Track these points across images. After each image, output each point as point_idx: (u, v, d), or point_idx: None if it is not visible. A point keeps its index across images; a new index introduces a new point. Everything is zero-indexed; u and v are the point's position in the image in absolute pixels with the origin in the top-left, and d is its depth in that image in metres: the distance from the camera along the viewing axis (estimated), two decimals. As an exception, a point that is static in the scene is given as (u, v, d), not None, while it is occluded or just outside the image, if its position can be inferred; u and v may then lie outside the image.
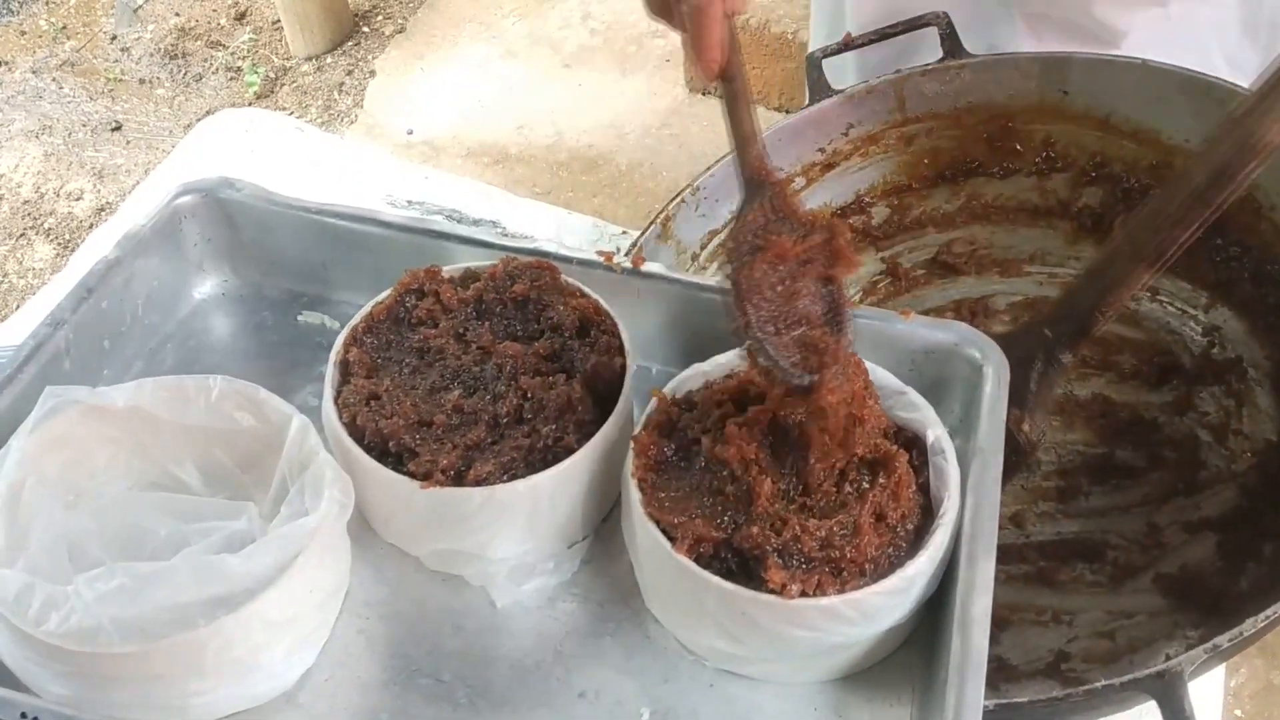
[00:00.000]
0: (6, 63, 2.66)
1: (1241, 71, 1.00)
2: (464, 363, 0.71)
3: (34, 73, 2.63)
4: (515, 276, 0.76)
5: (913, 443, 0.69)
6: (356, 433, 0.69)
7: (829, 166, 1.03)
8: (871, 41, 1.04)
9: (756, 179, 0.70)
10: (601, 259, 0.80)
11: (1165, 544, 0.85)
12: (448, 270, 0.77)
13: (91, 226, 2.29)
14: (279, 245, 0.85)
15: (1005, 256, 1.04)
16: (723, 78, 0.69)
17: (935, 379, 0.75)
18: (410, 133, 2.39)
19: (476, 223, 1.32)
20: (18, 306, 2.07)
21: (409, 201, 1.33)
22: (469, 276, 0.77)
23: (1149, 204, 0.79)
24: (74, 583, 0.61)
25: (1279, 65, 0.72)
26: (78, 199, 2.39)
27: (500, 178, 2.19)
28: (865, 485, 0.66)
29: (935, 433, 0.68)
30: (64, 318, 0.75)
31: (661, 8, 0.70)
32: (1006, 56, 0.99)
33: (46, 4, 2.78)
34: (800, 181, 1.03)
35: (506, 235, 1.17)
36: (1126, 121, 0.94)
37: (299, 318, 0.85)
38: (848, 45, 1.05)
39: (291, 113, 2.43)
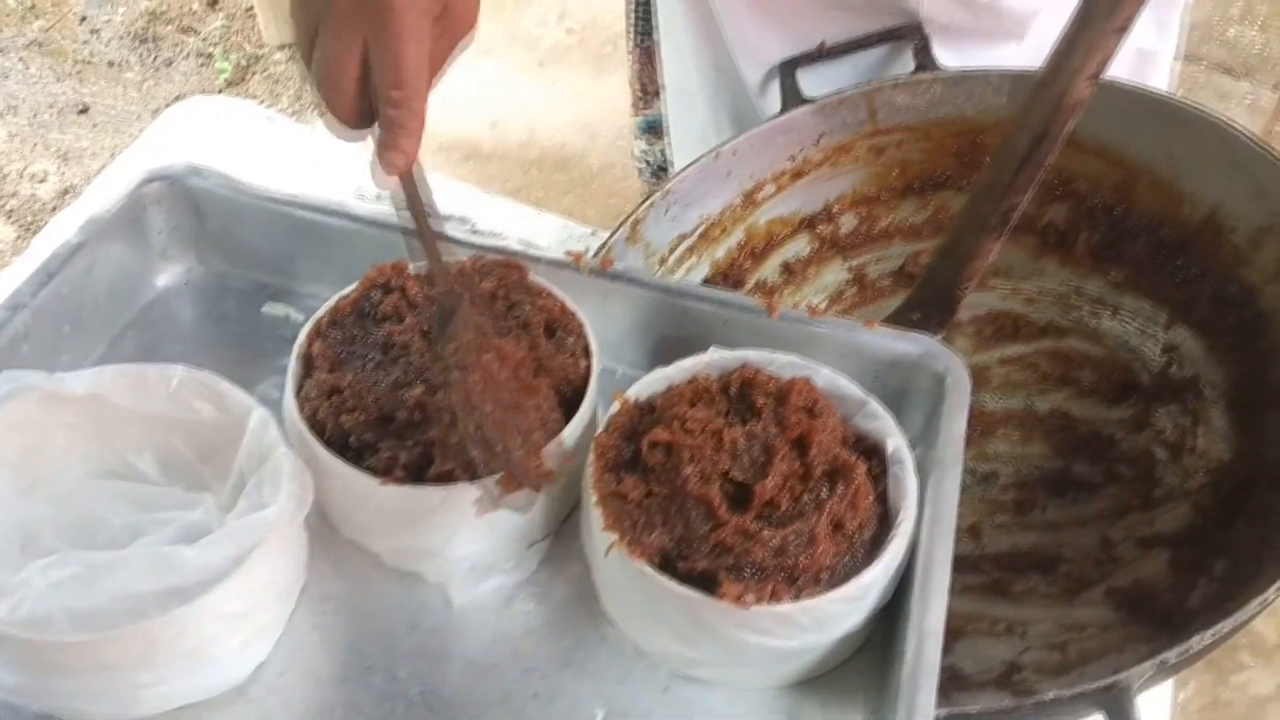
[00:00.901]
0: (-28, 41, 2.63)
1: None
2: (428, 359, 0.71)
3: (0, 52, 2.60)
4: (483, 275, 0.76)
5: (873, 452, 0.70)
6: (317, 427, 0.69)
7: (799, 175, 1.03)
8: (846, 51, 1.05)
9: (447, 294, 0.66)
10: (570, 259, 0.80)
11: (1119, 558, 0.87)
12: (414, 266, 0.77)
13: (55, 209, 2.27)
14: (245, 235, 0.84)
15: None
16: (408, 181, 0.65)
17: (898, 389, 0.75)
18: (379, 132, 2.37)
19: (445, 218, 1.31)
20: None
21: (378, 195, 1.33)
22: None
23: (983, 175, 0.81)
24: (26, 570, 0.61)
25: (1074, 25, 0.73)
26: (41, 181, 2.36)
27: (472, 174, 2.19)
28: (824, 494, 0.67)
29: (895, 443, 0.69)
30: (23, 301, 0.74)
31: (352, 89, 0.62)
32: (978, 72, 1.00)
33: (16, -18, 2.75)
34: (770, 189, 1.03)
35: (475, 232, 1.17)
36: (1092, 140, 0.95)
37: (263, 309, 0.84)
38: (821, 54, 1.06)
39: (262, 101, 2.41)
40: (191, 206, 0.82)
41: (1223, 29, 1.95)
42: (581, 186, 2.16)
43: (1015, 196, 0.79)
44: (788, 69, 1.05)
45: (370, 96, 0.62)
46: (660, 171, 1.45)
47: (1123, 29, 0.72)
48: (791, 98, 1.03)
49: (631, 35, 1.35)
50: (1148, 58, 1.08)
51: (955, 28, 1.03)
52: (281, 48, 2.54)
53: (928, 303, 0.87)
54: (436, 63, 0.64)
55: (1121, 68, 1.03)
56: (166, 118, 1.34)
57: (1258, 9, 1.94)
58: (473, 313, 0.67)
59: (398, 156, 0.62)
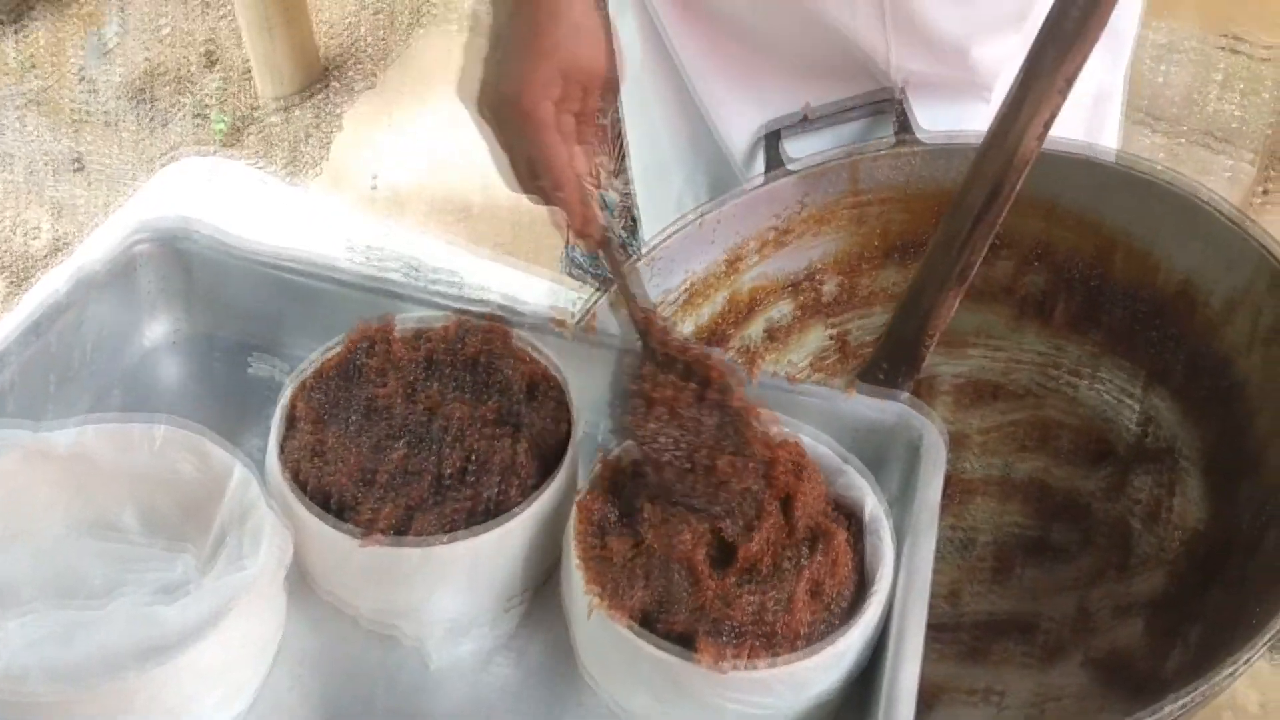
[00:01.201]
0: (-29, 96, 2.65)
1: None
2: (410, 420, 0.72)
3: (-2, 108, 2.63)
4: (467, 337, 0.77)
5: (851, 515, 0.71)
6: (299, 485, 0.69)
7: (781, 241, 1.05)
8: (828, 114, 1.07)
9: (641, 332, 0.73)
10: (553, 321, 0.81)
11: (1095, 625, 0.87)
12: (400, 327, 0.78)
13: (47, 263, 2.28)
14: (233, 294, 0.85)
15: (950, 335, 1.06)
16: (601, 244, 0.75)
17: (875, 454, 0.76)
18: (375, 185, 2.40)
19: (434, 272, 1.33)
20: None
21: (367, 247, 1.34)
22: (421, 334, 0.77)
23: (939, 232, 0.84)
24: (3, 626, 0.61)
25: (1020, 80, 0.75)
26: (35, 236, 2.38)
27: (463, 234, 2.21)
28: (804, 558, 0.67)
29: (872, 509, 0.70)
30: (11, 357, 0.75)
31: (530, 186, 0.74)
32: (958, 143, 1.02)
33: (16, 40, 2.78)
34: (754, 254, 1.05)
35: (462, 287, 1.18)
36: (1069, 211, 0.97)
37: (249, 368, 0.85)
38: (806, 118, 1.08)
39: (257, 161, 2.43)
40: (181, 266, 0.84)
41: (1203, 103, 2.00)
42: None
43: (971, 253, 0.81)
44: (772, 138, 1.07)
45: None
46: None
47: (1068, 83, 0.74)
48: (775, 165, 1.05)
49: None
50: (1103, 100, 1.10)
51: (927, 84, 1.06)
52: (278, 108, 2.57)
53: (894, 357, 0.88)
54: (588, 121, 0.74)
55: (1080, 111, 1.06)
56: (160, 177, 1.36)
57: (1236, 83, 1.98)
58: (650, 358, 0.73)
59: (582, 237, 0.75)
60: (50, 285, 0.85)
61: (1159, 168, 0.93)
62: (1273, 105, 1.99)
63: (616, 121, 1.30)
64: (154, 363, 0.85)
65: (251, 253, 0.85)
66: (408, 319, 0.78)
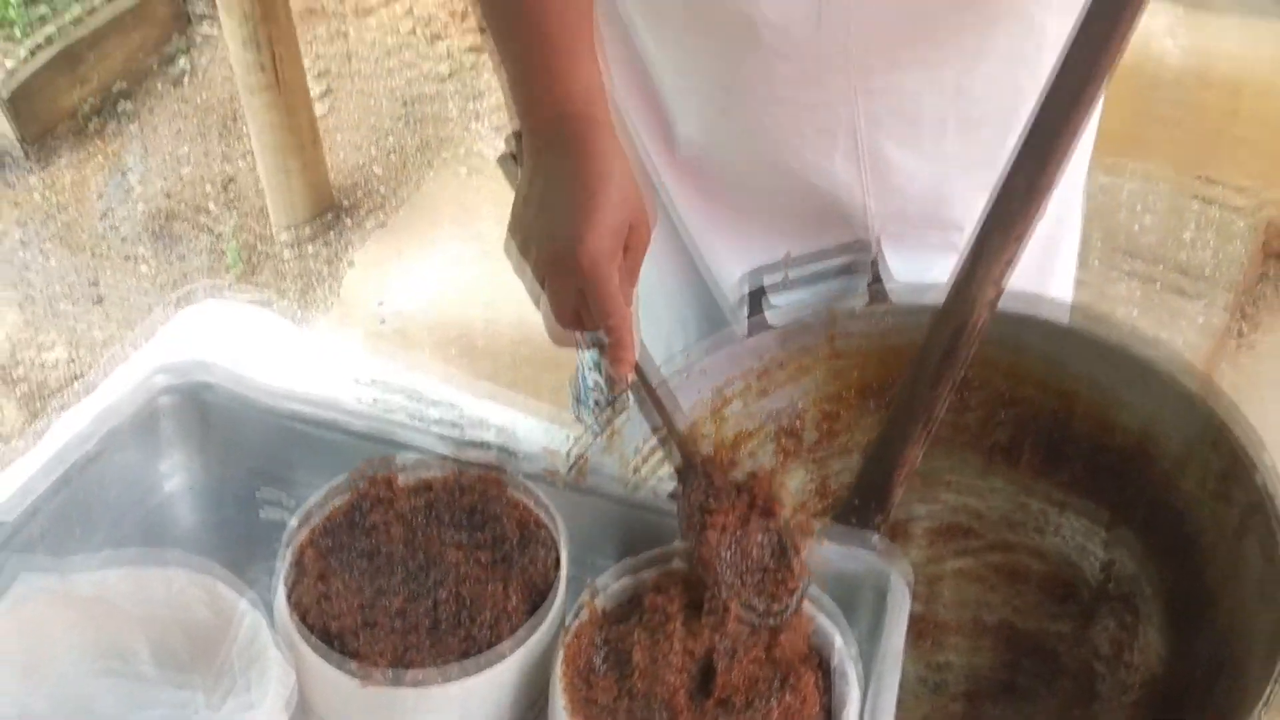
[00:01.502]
0: (-2, 231, 2.76)
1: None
2: (411, 568, 0.78)
3: (23, 243, 2.73)
4: (464, 486, 0.83)
5: (822, 658, 0.76)
6: (306, 628, 0.74)
7: (764, 391, 1.11)
8: (808, 262, 1.14)
9: (689, 461, 0.81)
10: (547, 471, 0.87)
11: (1062, 767, 0.91)
12: (403, 476, 0.84)
13: (63, 392, 2.35)
14: (249, 443, 0.91)
15: (924, 478, 1.12)
16: (638, 373, 0.82)
17: (846, 598, 0.81)
18: (383, 321, 2.49)
19: (435, 405, 1.39)
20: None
21: (373, 381, 1.40)
22: (422, 485, 0.83)
23: (901, 390, 0.93)
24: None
25: (968, 261, 0.83)
26: (53, 367, 2.45)
27: (465, 368, 2.28)
28: (773, 698, 0.72)
29: (840, 653, 0.75)
30: (42, 506, 0.81)
31: (574, 322, 0.81)
32: (925, 302, 1.09)
33: (43, 178, 2.90)
34: (737, 403, 1.11)
35: (462, 423, 1.24)
36: (1031, 370, 1.03)
37: (261, 513, 0.91)
38: (786, 264, 1.15)
39: (271, 296, 2.53)
40: (201, 417, 0.90)
41: (1175, 251, 2.09)
42: (570, 386, 2.24)
43: (931, 410, 0.88)
44: (755, 295, 1.14)
45: (586, 320, 0.82)
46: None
47: (1009, 265, 0.81)
48: (757, 312, 1.12)
49: None
50: (1052, 246, 1.17)
51: (902, 234, 1.13)
52: (291, 245, 2.67)
53: (865, 500, 0.95)
54: (632, 274, 0.83)
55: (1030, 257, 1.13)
56: (179, 318, 1.43)
57: (1208, 234, 2.08)
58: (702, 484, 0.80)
59: (623, 366, 0.82)
60: (75, 428, 0.91)
61: (1112, 328, 1.00)
62: (1243, 254, 2.08)
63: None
64: (171, 505, 0.91)
65: (266, 403, 0.91)
66: (409, 459, 0.84)
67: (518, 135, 0.90)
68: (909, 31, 1.00)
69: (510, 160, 0.93)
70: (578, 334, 0.83)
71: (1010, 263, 0.83)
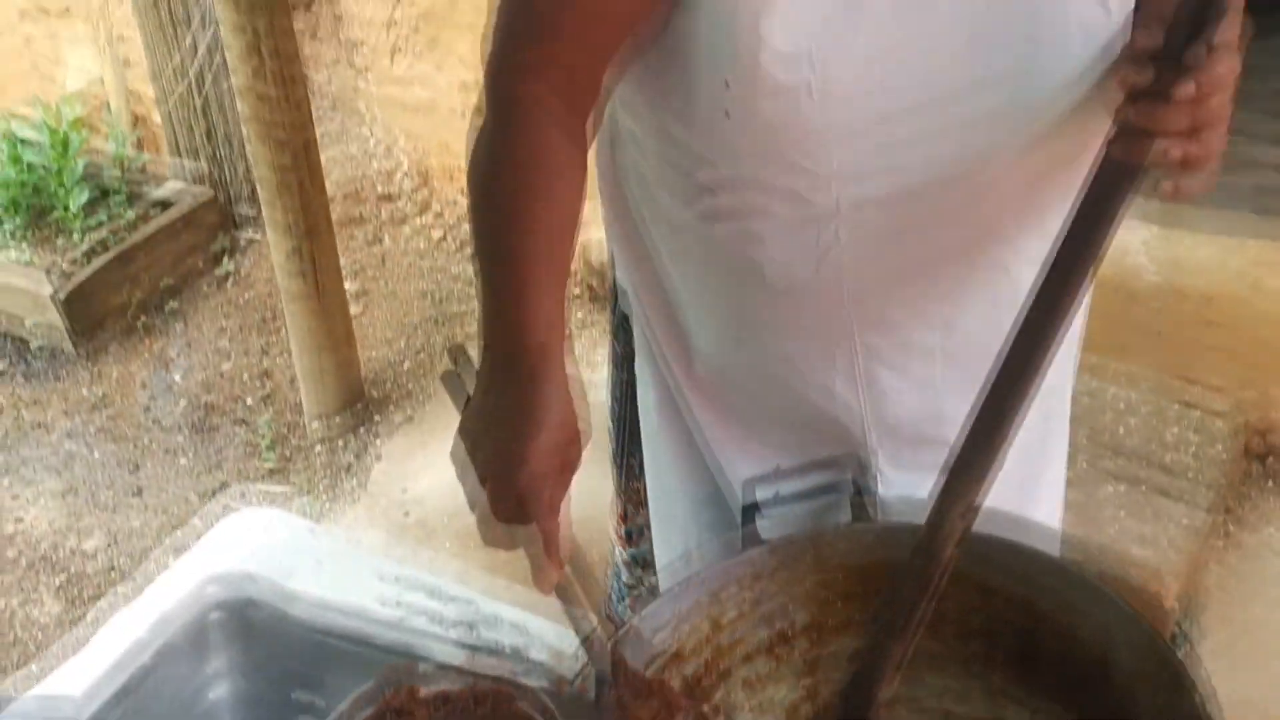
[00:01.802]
0: (45, 425, 2.91)
1: None
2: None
3: (69, 435, 2.88)
4: (479, 698, 0.93)
5: None
6: (335, 835, 0.83)
7: (757, 603, 1.21)
8: (796, 475, 1.25)
9: (605, 669, 0.92)
10: (555, 681, 0.96)
11: None
12: (425, 689, 0.93)
13: (99, 585, 2.45)
14: (287, 652, 1.02)
15: (911, 692, 1.19)
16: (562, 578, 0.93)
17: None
18: (406, 513, 2.60)
19: (453, 599, 1.48)
20: (20, 660, 2.20)
21: (396, 578, 1.50)
22: (440, 698, 0.93)
23: (878, 618, 1.02)
24: None
25: (935, 506, 0.93)
26: (91, 555, 2.57)
27: (481, 560, 2.37)
28: None
29: None
30: (105, 715, 0.91)
31: (511, 519, 0.90)
32: (907, 524, 1.20)
33: (91, 373, 3.07)
34: (733, 613, 1.20)
35: (476, 624, 1.32)
36: (1000, 590, 1.12)
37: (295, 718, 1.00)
38: (777, 476, 1.26)
39: (301, 489, 2.64)
40: (246, 634, 1.01)
41: (1160, 454, 2.19)
42: (582, 578, 2.33)
43: (908, 639, 0.96)
44: (749, 511, 1.25)
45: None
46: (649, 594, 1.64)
47: (973, 511, 0.92)
48: (750, 533, 1.23)
49: (614, 454, 1.59)
50: (1034, 460, 1.27)
51: (899, 454, 1.24)
52: (323, 440, 2.80)
53: (854, 698, 1.03)
54: (563, 486, 0.92)
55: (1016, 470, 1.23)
56: (220, 529, 1.55)
57: (1190, 438, 2.19)
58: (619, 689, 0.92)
59: (546, 571, 0.90)
60: (131, 634, 1.01)
61: (1070, 557, 1.10)
62: (1225, 458, 2.18)
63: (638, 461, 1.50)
64: (216, 713, 1.01)
65: (303, 617, 1.02)
66: (429, 669, 0.94)
67: (459, 349, 1.02)
68: (898, 276, 1.14)
69: (455, 377, 1.02)
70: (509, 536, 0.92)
71: (973, 506, 0.93)
